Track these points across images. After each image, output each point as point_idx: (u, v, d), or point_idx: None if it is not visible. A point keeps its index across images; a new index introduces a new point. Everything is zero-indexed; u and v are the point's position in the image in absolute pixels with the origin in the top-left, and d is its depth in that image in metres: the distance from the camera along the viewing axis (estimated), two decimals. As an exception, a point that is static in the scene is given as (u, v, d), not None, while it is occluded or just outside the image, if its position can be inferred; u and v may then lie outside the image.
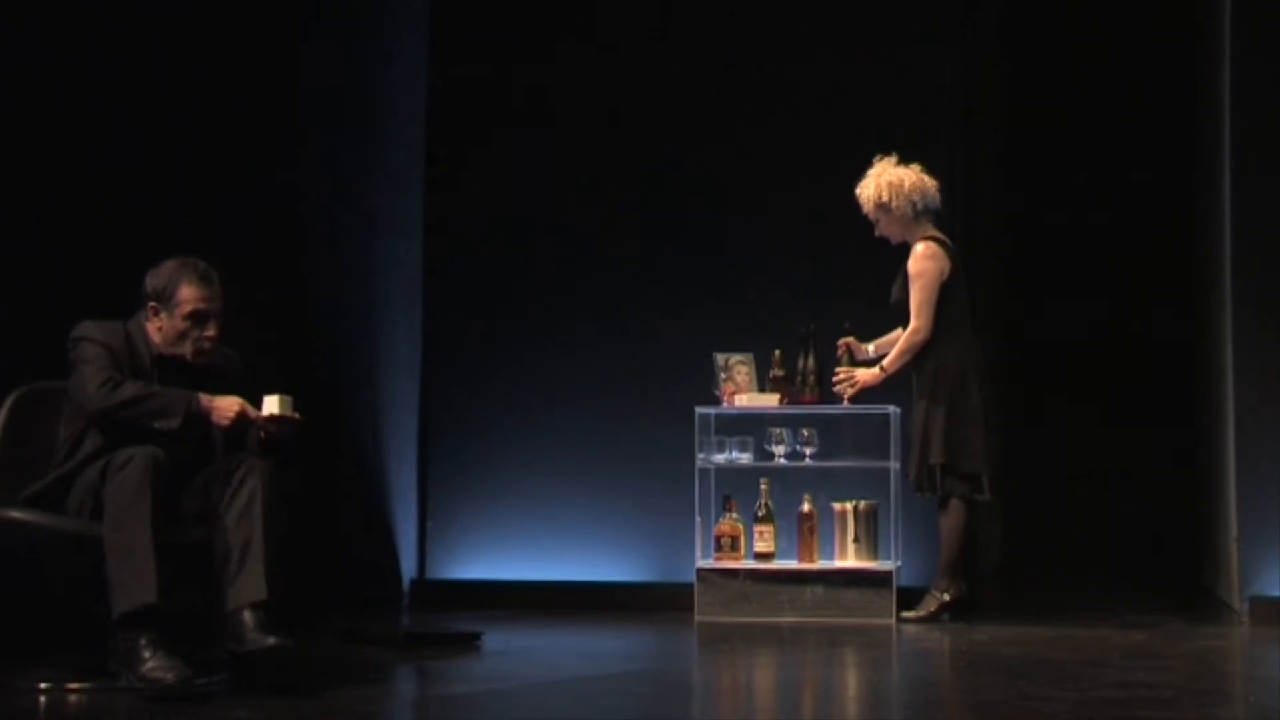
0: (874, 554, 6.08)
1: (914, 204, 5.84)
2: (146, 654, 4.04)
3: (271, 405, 4.31)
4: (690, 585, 6.10)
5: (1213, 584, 7.03)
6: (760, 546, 6.09)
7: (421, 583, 6.63)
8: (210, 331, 4.38)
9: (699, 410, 6.15)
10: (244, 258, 5.61)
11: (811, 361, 6.12)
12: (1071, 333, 8.85)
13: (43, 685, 4.13)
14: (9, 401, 4.33)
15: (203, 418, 4.29)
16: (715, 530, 6.13)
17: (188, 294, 4.35)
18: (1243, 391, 6.17)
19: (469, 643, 5.21)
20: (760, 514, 6.10)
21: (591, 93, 6.69)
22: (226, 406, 4.29)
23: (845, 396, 5.93)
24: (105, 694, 4.09)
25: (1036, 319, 8.90)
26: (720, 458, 6.16)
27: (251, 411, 4.31)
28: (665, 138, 6.65)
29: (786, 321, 6.21)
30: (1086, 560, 8.39)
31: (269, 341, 5.81)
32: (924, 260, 5.81)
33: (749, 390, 6.18)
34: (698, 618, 6.01)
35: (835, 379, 5.93)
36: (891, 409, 6.06)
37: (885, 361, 5.90)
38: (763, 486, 6.11)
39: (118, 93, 5.10)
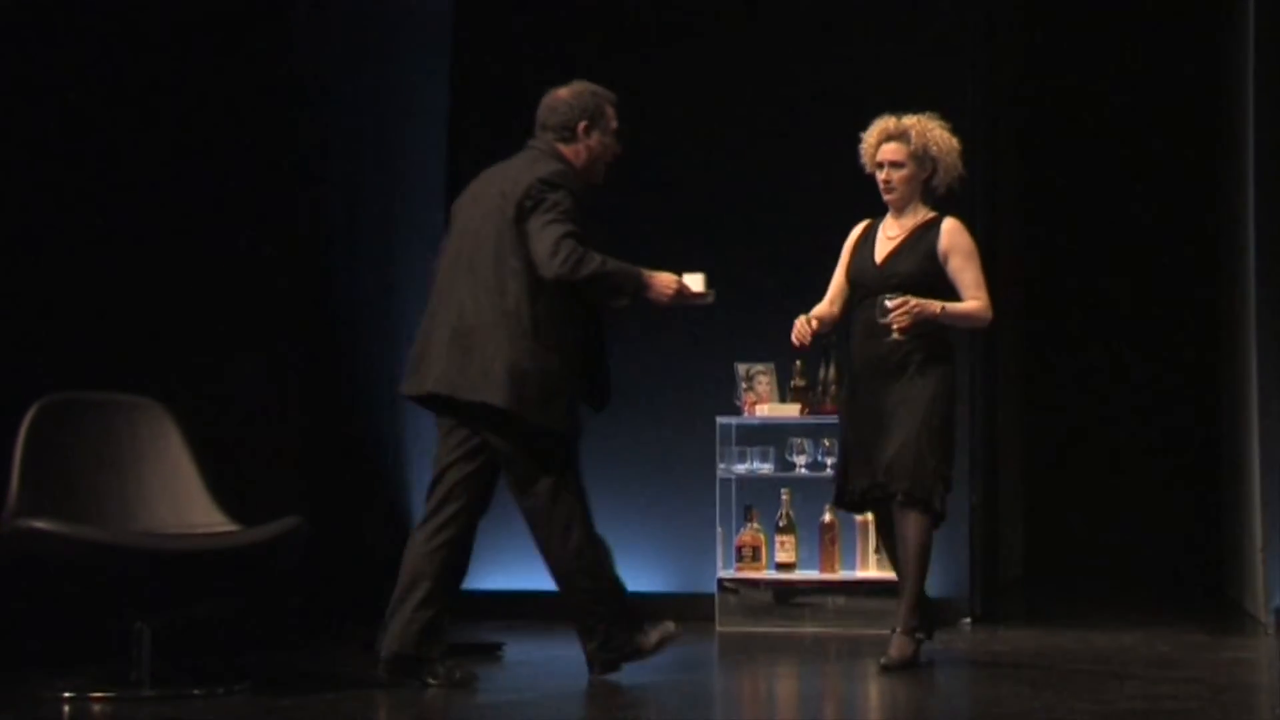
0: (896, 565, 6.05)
1: (949, 179, 5.11)
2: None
3: (697, 284, 4.58)
4: (711, 595, 6.09)
5: (1238, 595, 6.99)
6: (782, 557, 6.08)
7: (443, 593, 6.62)
8: (619, 149, 4.70)
9: (720, 420, 6.14)
10: (265, 267, 5.65)
11: (833, 371, 6.10)
12: (1095, 341, 8.84)
13: (67, 694, 4.14)
14: (31, 413, 4.34)
15: (644, 290, 4.52)
16: (736, 540, 6.12)
17: (612, 112, 4.69)
18: (1267, 403, 6.14)
19: (490, 653, 5.21)
20: (781, 524, 6.09)
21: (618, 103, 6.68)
22: (665, 284, 4.53)
23: (898, 328, 4.89)
24: (128, 703, 4.10)
25: (1057, 325, 8.90)
26: (741, 468, 6.15)
27: (687, 288, 4.54)
28: (686, 144, 6.64)
29: (808, 331, 6.19)
30: (1110, 571, 8.36)
31: (290, 351, 5.84)
32: (968, 236, 5.08)
33: (770, 400, 6.17)
34: (719, 628, 6.01)
35: (893, 306, 4.87)
36: (913, 419, 6.03)
37: (950, 305, 4.97)
38: (784, 497, 6.09)
39: (133, 99, 5.10)
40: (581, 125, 4.62)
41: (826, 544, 6.07)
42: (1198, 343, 8.32)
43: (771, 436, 6.18)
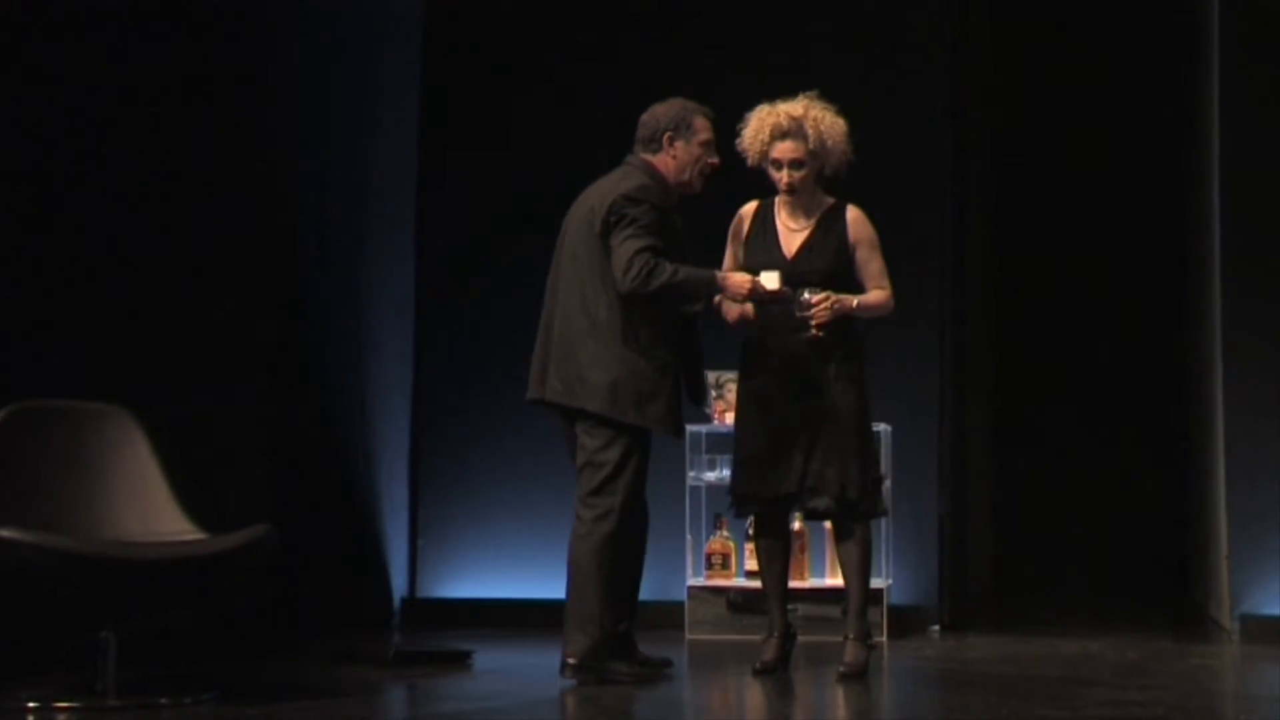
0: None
1: (839, 165, 4.98)
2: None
3: (772, 281, 4.74)
4: (681, 603, 6.10)
5: (1204, 601, 7.03)
6: (751, 564, 6.07)
7: (412, 601, 6.62)
8: (716, 159, 4.90)
9: (690, 428, 6.12)
10: (234, 276, 5.63)
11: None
12: (1063, 348, 8.89)
13: (31, 704, 4.12)
14: (-1, 420, 4.31)
15: (719, 292, 4.80)
16: (706, 548, 6.13)
17: (701, 124, 4.89)
18: (1233, 409, 6.18)
19: (460, 661, 5.20)
20: (751, 532, 6.08)
21: (586, 104, 6.68)
22: (740, 284, 4.77)
23: (817, 324, 4.79)
24: (93, 713, 4.08)
25: (1026, 332, 8.94)
26: (711, 475, 6.16)
27: (761, 287, 4.73)
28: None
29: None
30: (1077, 578, 8.41)
31: (262, 362, 5.82)
32: (871, 224, 4.98)
33: (740, 408, 6.16)
34: (688, 636, 6.01)
35: (816, 301, 4.77)
36: (883, 426, 6.04)
37: (862, 298, 4.89)
38: (754, 504, 6.09)
39: (99, 104, 5.06)
40: (666, 136, 4.88)
41: (796, 552, 6.04)
42: (1165, 351, 8.37)
43: (741, 445, 6.16)
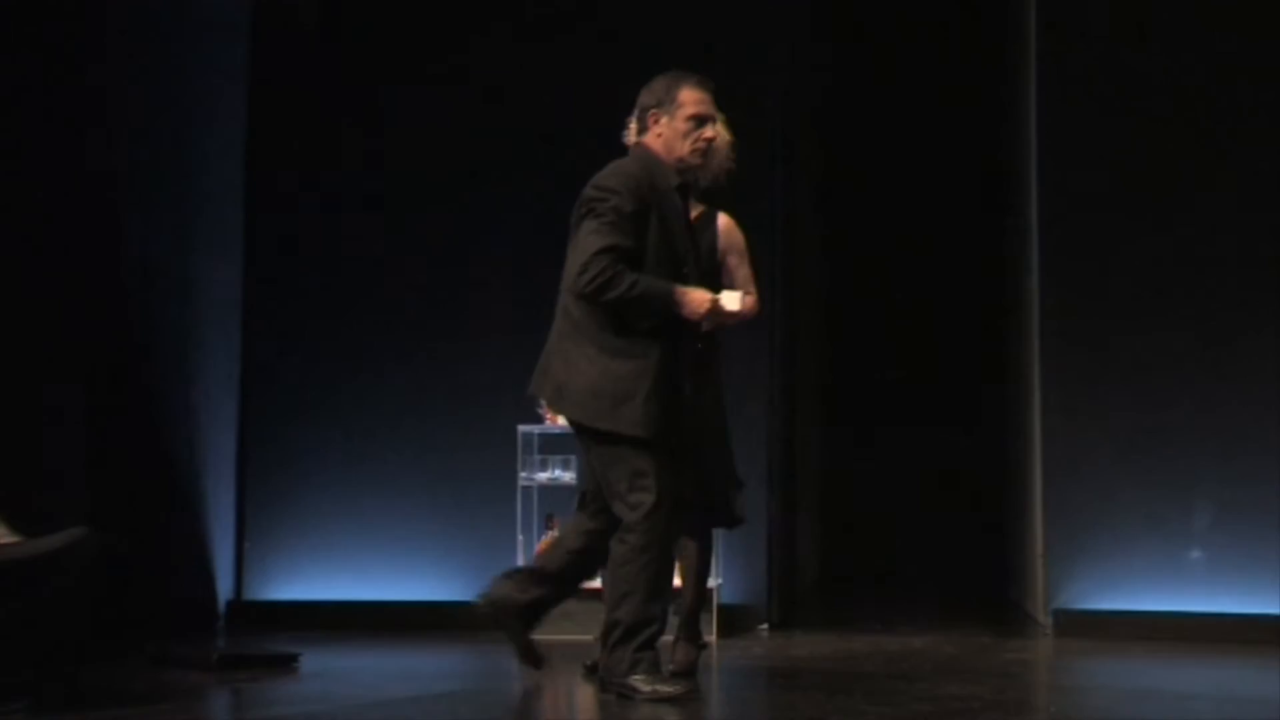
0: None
1: (710, 173, 4.89)
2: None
3: (733, 302, 4.55)
4: (512, 604, 6.08)
5: (1020, 597, 7.25)
6: (583, 565, 6.09)
7: (238, 604, 6.51)
8: (709, 133, 4.54)
9: (521, 429, 6.14)
10: (52, 276, 5.47)
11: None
12: (891, 351, 9.10)
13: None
14: None
15: (677, 309, 4.41)
16: (537, 549, 6.12)
17: (688, 96, 4.52)
18: (1049, 410, 6.38)
19: (286, 664, 5.12)
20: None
21: (415, 109, 6.65)
22: (699, 301, 4.43)
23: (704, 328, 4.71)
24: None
25: (855, 334, 9.13)
26: (543, 476, 6.17)
27: (721, 306, 4.45)
28: (487, 156, 6.63)
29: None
30: (901, 576, 8.61)
31: (80, 360, 5.67)
32: (740, 232, 5.04)
33: (572, 409, 6.18)
34: (521, 636, 6.00)
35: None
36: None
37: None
38: (585, 505, 6.11)
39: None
40: (651, 114, 4.56)
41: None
42: (990, 357, 8.61)
43: (573, 445, 6.14)
